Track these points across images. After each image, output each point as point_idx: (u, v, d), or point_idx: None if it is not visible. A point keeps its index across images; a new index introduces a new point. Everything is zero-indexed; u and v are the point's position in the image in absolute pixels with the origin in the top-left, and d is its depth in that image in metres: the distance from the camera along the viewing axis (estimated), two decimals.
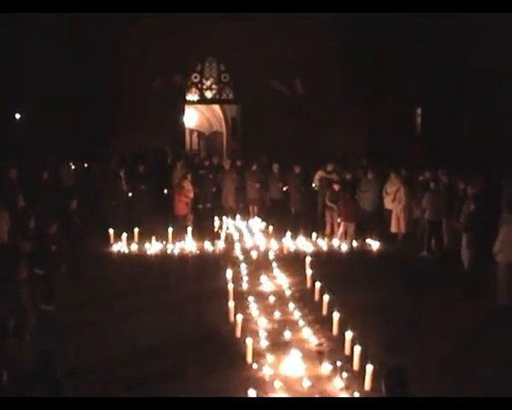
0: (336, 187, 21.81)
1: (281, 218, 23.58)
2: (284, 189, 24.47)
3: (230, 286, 14.79)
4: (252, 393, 9.57)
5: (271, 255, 18.90)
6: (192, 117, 40.24)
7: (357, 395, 9.90)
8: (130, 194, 23.02)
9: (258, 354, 11.60)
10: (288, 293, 15.41)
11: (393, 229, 21.69)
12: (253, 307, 14.24)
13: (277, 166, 24.44)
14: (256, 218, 24.21)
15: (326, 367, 11.02)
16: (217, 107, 38.62)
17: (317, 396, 9.97)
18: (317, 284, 14.93)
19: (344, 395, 9.97)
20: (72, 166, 25.69)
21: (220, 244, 20.24)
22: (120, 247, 20.06)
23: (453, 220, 18.58)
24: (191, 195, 22.17)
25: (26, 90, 28.44)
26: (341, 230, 21.19)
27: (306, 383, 10.37)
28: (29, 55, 28.35)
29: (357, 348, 11.00)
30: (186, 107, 33.72)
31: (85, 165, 26.56)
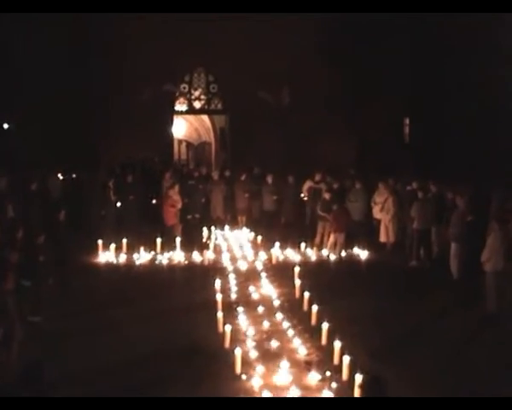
0: (327, 196, 21.79)
1: (271, 228, 23.52)
2: (274, 198, 24.45)
3: (219, 296, 14.75)
4: None
5: (260, 266, 18.89)
6: (181, 127, 40.27)
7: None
8: (118, 204, 22.96)
9: (247, 365, 11.56)
10: (276, 303, 15.36)
11: (382, 238, 21.78)
12: (242, 317, 14.21)
13: (271, 177, 24.46)
14: (245, 228, 24.20)
15: (315, 377, 11.01)
16: (205, 117, 38.66)
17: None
18: (306, 294, 14.92)
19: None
20: (61, 177, 25.62)
21: (209, 255, 20.19)
22: (109, 257, 19.99)
23: (443, 230, 18.64)
24: (179, 205, 22.10)
25: (14, 100, 28.35)
26: (331, 240, 21.19)
27: (295, 393, 10.34)
28: (17, 66, 28.22)
29: (346, 358, 10.98)
30: (175, 117, 33.74)
31: (74, 175, 26.46)
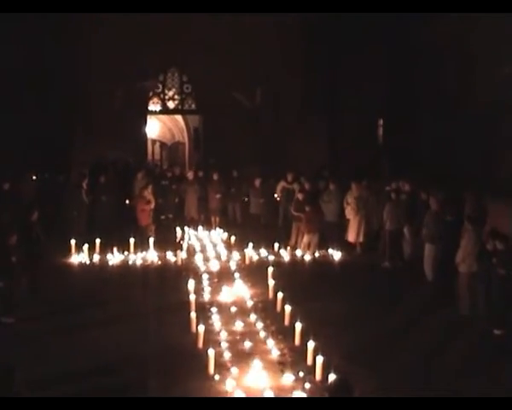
0: (300, 196, 21.82)
1: (256, 231, 23.51)
2: (261, 201, 24.52)
3: (192, 297, 14.72)
4: None
5: (233, 266, 18.89)
6: (154, 127, 40.16)
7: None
8: (91, 205, 22.85)
9: (220, 366, 11.55)
10: (250, 304, 15.35)
11: (350, 238, 21.83)
12: (215, 318, 14.20)
13: (259, 180, 24.53)
14: (218, 228, 24.22)
15: (288, 378, 11.02)
16: (179, 117, 38.53)
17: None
18: (280, 295, 14.93)
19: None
20: (33, 177, 25.47)
21: (182, 255, 20.16)
22: (82, 258, 19.90)
23: (416, 230, 18.73)
24: (152, 205, 22.06)
25: None
26: (305, 240, 21.23)
27: (268, 394, 10.35)
28: None
29: (320, 359, 11.01)
30: (148, 117, 33.65)
31: (46, 176, 26.30)
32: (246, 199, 25.07)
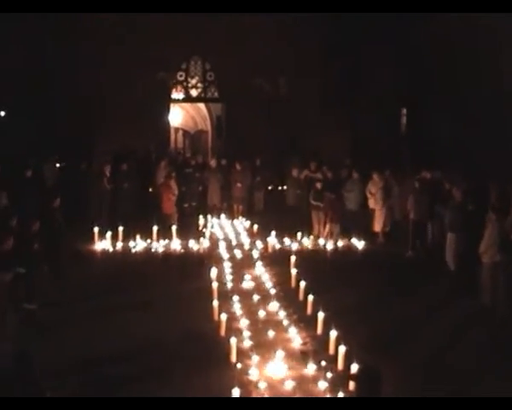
0: (319, 185, 21.78)
1: (270, 218, 23.38)
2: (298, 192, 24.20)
3: (215, 285, 14.71)
4: (236, 392, 9.49)
5: (256, 254, 18.85)
6: (177, 115, 40.10)
7: (341, 395, 9.85)
8: (113, 192, 22.87)
9: (242, 354, 11.54)
10: (272, 292, 15.31)
11: (376, 228, 21.75)
12: (237, 306, 14.18)
13: (297, 170, 24.25)
14: (241, 217, 24.18)
15: (310, 367, 10.98)
16: (202, 105, 38.50)
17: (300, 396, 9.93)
18: (302, 284, 14.89)
19: (328, 395, 9.90)
20: (57, 165, 25.56)
21: (205, 243, 20.16)
22: (105, 245, 19.95)
23: (439, 220, 18.61)
24: (176, 193, 22.07)
25: (9, 88, 28.20)
26: (327, 230, 21.17)
27: (290, 384, 10.32)
28: (13, 52, 28.03)
29: (342, 348, 10.96)
30: (171, 105, 33.61)
31: (69, 163, 26.38)
32: (270, 188, 24.91)
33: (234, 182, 24.80)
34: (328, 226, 21.19)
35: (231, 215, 24.58)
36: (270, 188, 25.44)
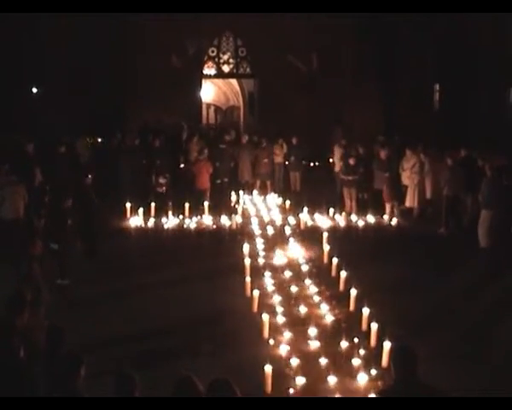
0: (352, 161, 21.64)
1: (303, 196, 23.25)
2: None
3: (247, 261, 14.72)
4: (268, 369, 9.49)
5: (288, 231, 18.81)
6: (209, 91, 40.09)
7: (374, 371, 9.84)
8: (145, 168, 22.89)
9: (274, 330, 11.56)
10: (304, 268, 15.29)
11: (408, 203, 21.61)
12: (270, 282, 14.19)
13: (385, 152, 22.09)
14: (273, 193, 24.11)
15: (343, 344, 10.95)
16: (234, 81, 38.40)
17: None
18: (334, 260, 14.86)
19: (362, 373, 9.86)
20: (89, 141, 25.68)
21: (237, 219, 20.17)
22: (137, 221, 20.01)
23: (473, 197, 18.44)
24: (211, 169, 22.12)
25: (43, 64, 28.36)
26: (388, 209, 21.00)
27: (323, 361, 10.32)
28: (46, 30, 28.16)
29: (374, 325, 10.93)
30: (203, 81, 33.57)
31: (101, 140, 26.50)
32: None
33: (261, 158, 24.70)
34: (387, 206, 21.01)
35: (263, 192, 24.50)
36: (311, 164, 25.22)
